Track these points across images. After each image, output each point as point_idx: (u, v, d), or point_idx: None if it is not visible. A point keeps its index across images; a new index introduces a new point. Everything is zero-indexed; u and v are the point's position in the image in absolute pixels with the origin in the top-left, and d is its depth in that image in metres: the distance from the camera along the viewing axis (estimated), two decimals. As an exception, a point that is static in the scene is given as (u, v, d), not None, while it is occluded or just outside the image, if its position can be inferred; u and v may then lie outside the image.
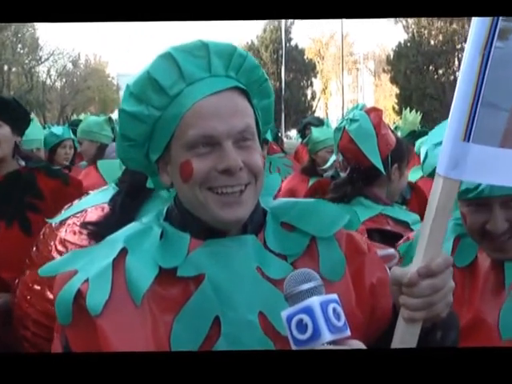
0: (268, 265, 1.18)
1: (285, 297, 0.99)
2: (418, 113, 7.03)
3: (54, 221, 2.15)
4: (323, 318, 0.93)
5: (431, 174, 1.56)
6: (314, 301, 0.94)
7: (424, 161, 1.68)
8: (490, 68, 1.06)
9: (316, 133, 4.72)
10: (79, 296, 1.11)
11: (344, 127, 2.60)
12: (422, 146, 1.72)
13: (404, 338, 1.12)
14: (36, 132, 4.64)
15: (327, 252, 1.23)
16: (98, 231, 1.89)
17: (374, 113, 2.60)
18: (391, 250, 1.45)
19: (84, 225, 1.98)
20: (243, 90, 1.19)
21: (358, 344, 0.98)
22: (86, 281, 1.12)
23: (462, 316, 1.48)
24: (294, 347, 0.95)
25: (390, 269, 1.25)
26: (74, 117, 32.97)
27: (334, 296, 0.97)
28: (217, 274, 1.15)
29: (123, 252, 1.16)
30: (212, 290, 1.14)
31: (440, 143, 1.52)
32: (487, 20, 1.05)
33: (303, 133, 6.52)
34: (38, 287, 2.06)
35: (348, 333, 0.96)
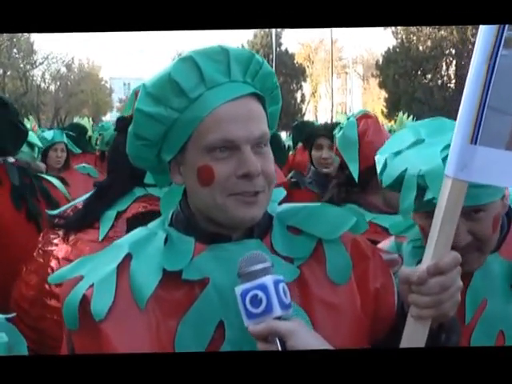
0: (274, 268, 1.14)
1: (238, 275, 1.07)
2: (411, 117, 7.10)
3: (53, 213, 2.26)
4: (275, 295, 1.03)
5: (391, 186, 1.51)
6: (268, 279, 1.04)
7: (383, 171, 1.55)
8: (495, 74, 1.09)
9: None
10: (84, 301, 1.12)
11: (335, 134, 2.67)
12: (379, 154, 1.59)
13: (412, 337, 1.14)
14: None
15: (334, 255, 1.23)
16: (61, 224, 2.05)
17: (364, 120, 2.57)
18: (395, 255, 1.43)
19: (53, 216, 2.13)
20: (259, 96, 1.20)
21: (300, 322, 1.06)
22: (91, 286, 1.13)
23: None
24: (246, 320, 1.04)
25: (394, 273, 1.29)
26: (68, 119, 33.10)
27: (282, 277, 1.08)
28: (221, 278, 1.15)
29: (128, 257, 1.17)
30: (216, 295, 1.14)
31: (399, 152, 1.49)
32: (494, 29, 1.08)
33: (296, 136, 6.40)
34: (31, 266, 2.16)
35: (291, 311, 1.06)
